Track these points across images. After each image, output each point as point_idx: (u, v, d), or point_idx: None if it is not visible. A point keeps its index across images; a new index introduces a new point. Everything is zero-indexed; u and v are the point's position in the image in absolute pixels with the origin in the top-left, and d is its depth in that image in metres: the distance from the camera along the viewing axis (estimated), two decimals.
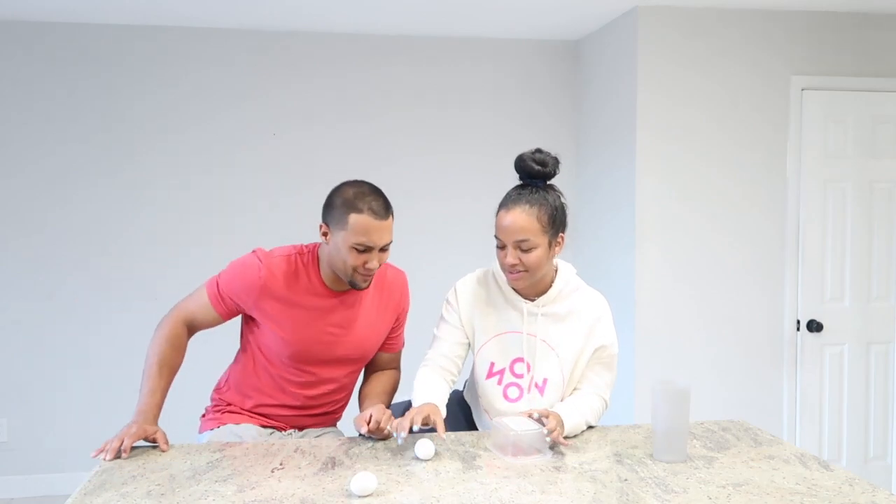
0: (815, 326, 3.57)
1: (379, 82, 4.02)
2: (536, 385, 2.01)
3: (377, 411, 1.88)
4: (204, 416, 2.17)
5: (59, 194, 3.81)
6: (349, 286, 2.00)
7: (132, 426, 1.83)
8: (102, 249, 3.85)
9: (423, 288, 3.99)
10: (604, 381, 2.05)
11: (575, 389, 2.08)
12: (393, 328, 2.18)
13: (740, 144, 3.53)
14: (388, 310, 2.13)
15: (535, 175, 1.97)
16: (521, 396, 2.02)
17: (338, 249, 1.93)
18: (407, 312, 2.21)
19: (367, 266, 1.93)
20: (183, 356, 2.03)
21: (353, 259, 1.91)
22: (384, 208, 1.93)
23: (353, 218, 1.89)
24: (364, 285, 1.98)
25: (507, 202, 1.95)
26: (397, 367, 2.26)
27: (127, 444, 1.78)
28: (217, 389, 2.18)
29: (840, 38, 3.56)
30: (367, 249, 1.91)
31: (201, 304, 2.03)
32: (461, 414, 2.18)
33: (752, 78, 3.52)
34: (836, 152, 3.58)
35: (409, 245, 4.06)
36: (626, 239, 3.57)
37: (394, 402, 2.18)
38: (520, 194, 1.95)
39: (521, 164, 1.98)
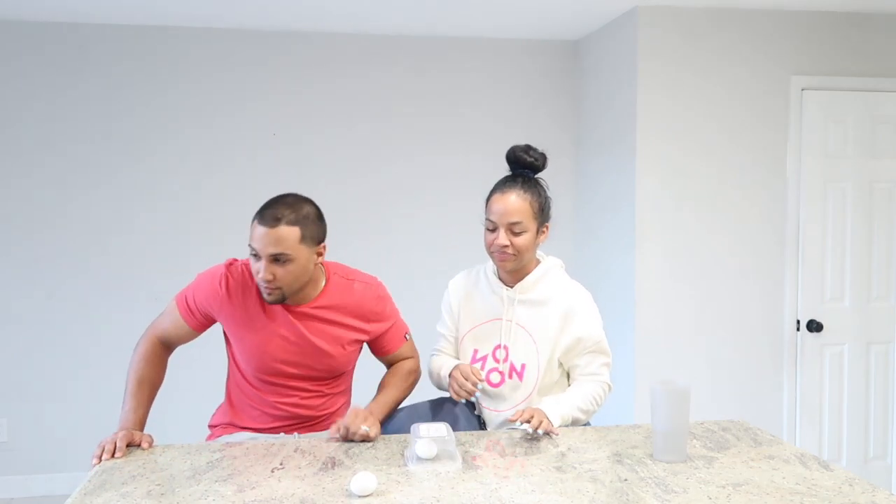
0: (815, 326, 3.57)
1: (378, 82, 4.02)
2: (515, 370, 2.09)
3: (348, 417, 1.88)
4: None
5: (58, 194, 3.81)
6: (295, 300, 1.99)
7: (119, 432, 1.84)
8: (103, 249, 3.85)
9: (423, 288, 4.00)
10: (598, 363, 2.11)
11: (571, 379, 2.15)
12: (377, 338, 2.14)
13: (740, 144, 3.53)
14: (354, 323, 2.08)
15: (526, 165, 2.08)
16: (502, 381, 2.09)
17: None
18: (389, 316, 2.16)
19: (259, 276, 1.91)
20: (162, 373, 2.05)
21: (252, 266, 1.94)
22: (274, 217, 1.88)
23: (252, 224, 1.92)
24: (267, 298, 1.94)
25: (502, 187, 2.06)
26: (411, 356, 2.24)
27: (121, 444, 1.79)
28: (218, 408, 2.20)
29: (840, 38, 3.56)
30: (256, 256, 1.91)
31: (173, 320, 2.05)
32: (461, 414, 2.19)
33: (752, 78, 3.52)
34: (836, 152, 3.58)
35: (409, 245, 4.07)
36: (626, 239, 3.57)
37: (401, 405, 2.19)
38: (514, 181, 2.07)
39: (513, 155, 2.10)
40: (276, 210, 1.90)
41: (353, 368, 2.22)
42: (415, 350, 2.27)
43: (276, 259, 1.89)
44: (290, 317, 2.01)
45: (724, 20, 3.49)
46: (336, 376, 2.12)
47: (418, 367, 2.25)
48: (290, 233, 1.89)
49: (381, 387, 2.16)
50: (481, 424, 2.18)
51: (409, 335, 2.25)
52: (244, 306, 2.01)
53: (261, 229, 1.88)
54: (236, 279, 2.02)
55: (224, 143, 3.91)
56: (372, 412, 1.97)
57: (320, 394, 2.10)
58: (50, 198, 3.80)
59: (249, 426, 2.09)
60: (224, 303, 2.01)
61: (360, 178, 4.02)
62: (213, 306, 2.02)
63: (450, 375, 2.06)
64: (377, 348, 2.19)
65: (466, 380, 1.99)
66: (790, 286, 3.59)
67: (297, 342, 2.02)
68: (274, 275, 1.89)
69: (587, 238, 4.06)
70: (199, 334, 2.09)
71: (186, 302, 2.04)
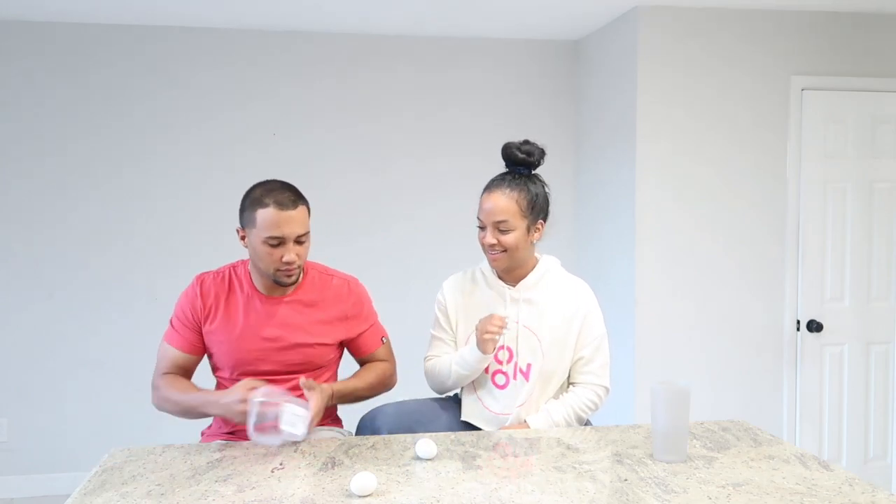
0: (815, 326, 3.57)
1: (378, 83, 4.02)
2: (521, 371, 2.08)
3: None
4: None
5: (58, 194, 3.81)
6: (277, 285, 2.02)
7: (238, 387, 1.86)
8: (103, 249, 3.85)
9: (423, 289, 4.00)
10: (598, 363, 2.12)
11: (570, 385, 2.14)
12: (355, 338, 2.15)
13: (740, 144, 3.53)
14: (332, 318, 2.10)
15: (518, 163, 2.08)
16: (507, 383, 2.09)
17: (254, 249, 1.98)
18: (366, 315, 2.17)
19: (284, 260, 1.94)
20: (192, 386, 2.05)
21: (269, 255, 1.95)
22: (291, 200, 1.94)
23: (260, 213, 1.92)
24: (288, 281, 2.00)
25: (490, 186, 2.08)
26: (386, 359, 2.23)
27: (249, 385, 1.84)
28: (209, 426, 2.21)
29: (840, 38, 3.56)
30: (279, 243, 1.93)
31: (166, 351, 2.08)
32: (448, 415, 2.17)
33: (752, 78, 3.52)
34: (836, 152, 3.58)
35: (408, 246, 4.07)
36: (626, 239, 3.57)
37: (386, 401, 2.18)
38: (503, 179, 2.08)
39: (507, 152, 2.09)
40: (283, 194, 1.94)
41: (335, 372, 2.20)
42: (391, 355, 2.24)
43: (300, 239, 1.96)
44: (267, 309, 2.04)
45: (723, 20, 3.49)
46: (312, 370, 2.10)
47: (393, 371, 2.22)
48: (305, 211, 1.98)
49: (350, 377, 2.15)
50: (466, 426, 2.15)
51: (387, 339, 2.24)
52: (220, 305, 2.05)
53: (285, 214, 1.91)
54: (209, 285, 2.07)
55: (224, 142, 3.91)
56: (326, 390, 1.96)
57: (297, 388, 2.09)
58: (50, 198, 3.80)
59: (229, 429, 2.09)
60: (202, 304, 2.05)
61: (360, 179, 4.02)
62: (192, 314, 2.06)
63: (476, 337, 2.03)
64: (354, 348, 2.19)
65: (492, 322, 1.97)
66: (790, 286, 3.58)
67: (274, 335, 2.03)
68: (298, 255, 1.96)
69: (587, 238, 4.06)
70: (194, 359, 2.10)
71: (171, 326, 2.08)
